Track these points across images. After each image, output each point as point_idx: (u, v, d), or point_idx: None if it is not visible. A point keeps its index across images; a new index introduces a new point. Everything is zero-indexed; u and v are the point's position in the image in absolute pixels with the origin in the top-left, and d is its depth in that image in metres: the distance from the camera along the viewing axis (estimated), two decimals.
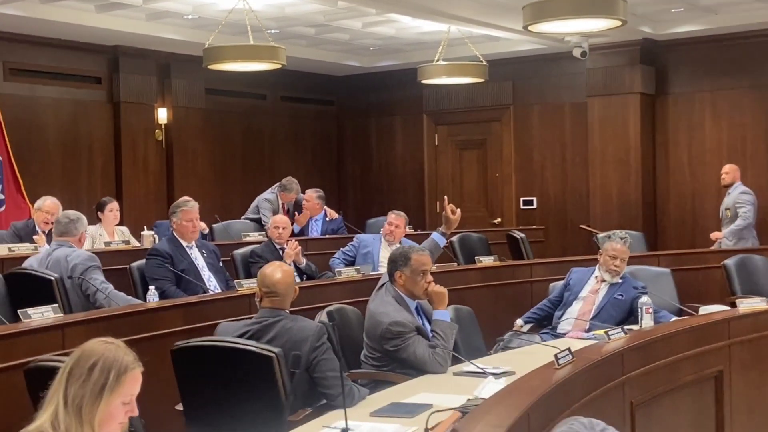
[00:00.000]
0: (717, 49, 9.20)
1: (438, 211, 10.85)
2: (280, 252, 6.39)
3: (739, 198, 8.10)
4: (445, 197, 4.97)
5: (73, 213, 5.31)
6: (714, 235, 8.18)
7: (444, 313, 4.03)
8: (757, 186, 9.00)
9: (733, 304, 4.98)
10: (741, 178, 8.68)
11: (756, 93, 9.05)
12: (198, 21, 8.43)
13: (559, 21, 5.47)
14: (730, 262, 6.41)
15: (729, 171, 8.32)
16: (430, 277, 4.11)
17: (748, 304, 4.60)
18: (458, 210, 4.85)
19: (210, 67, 7.16)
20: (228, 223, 8.07)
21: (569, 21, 5.50)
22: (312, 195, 8.15)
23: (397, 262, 4.14)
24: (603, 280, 5.15)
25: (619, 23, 5.36)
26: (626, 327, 4.22)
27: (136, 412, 2.21)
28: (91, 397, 2.11)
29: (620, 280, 5.15)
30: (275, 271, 3.70)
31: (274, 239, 6.48)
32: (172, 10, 8.09)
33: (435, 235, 4.73)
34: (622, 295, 5.05)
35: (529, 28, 5.49)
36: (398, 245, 6.45)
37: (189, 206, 5.63)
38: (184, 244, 5.56)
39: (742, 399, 4.31)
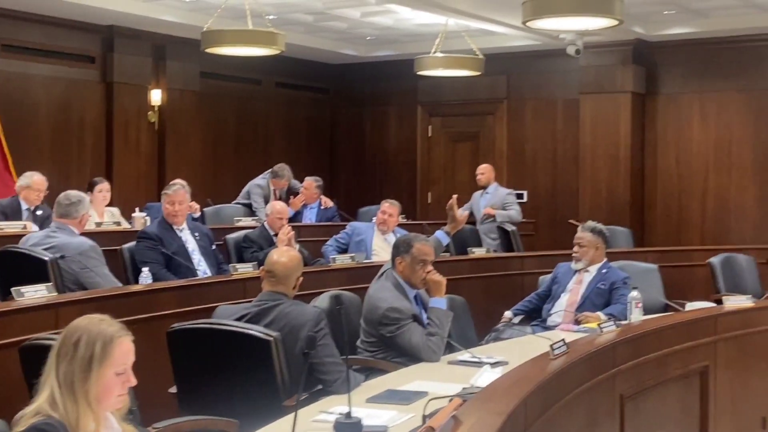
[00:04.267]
0: (707, 51, 9.30)
1: (429, 201, 10.93)
2: (274, 238, 6.42)
3: (506, 199, 8.23)
4: (454, 196, 4.97)
5: (74, 194, 5.09)
6: (487, 211, 8.18)
7: (441, 301, 4.09)
8: (742, 186, 9.15)
9: (718, 302, 5.08)
10: (726, 178, 8.82)
11: (743, 96, 9.17)
12: (196, 4, 8.43)
13: (558, 18, 5.53)
14: (715, 260, 6.54)
15: (484, 171, 8.35)
16: (430, 267, 4.17)
17: (734, 302, 4.71)
18: (465, 212, 4.94)
19: (208, 50, 7.17)
20: (219, 207, 8.09)
21: (568, 18, 5.57)
22: (312, 183, 8.21)
23: (399, 248, 4.20)
24: (586, 271, 5.26)
25: (616, 22, 5.44)
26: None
27: (133, 381, 2.20)
28: (80, 373, 2.12)
29: (604, 270, 5.24)
30: (282, 255, 3.74)
31: (275, 228, 6.48)
32: None
33: (439, 233, 4.73)
34: (604, 285, 5.16)
35: (528, 23, 5.54)
36: (393, 235, 6.54)
37: (171, 190, 5.62)
38: (175, 226, 5.56)
39: (726, 394, 4.41)
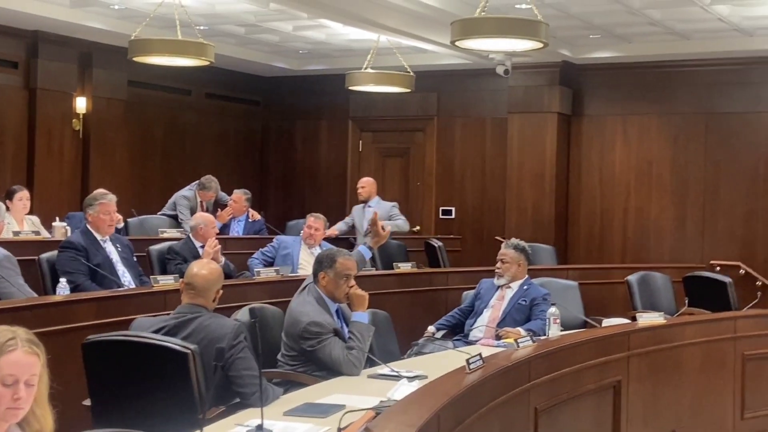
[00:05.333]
0: (630, 75, 9.58)
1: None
2: (200, 250, 6.37)
3: (392, 210, 7.99)
4: (375, 213, 5.08)
5: None
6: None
7: (362, 315, 4.12)
8: (661, 206, 9.44)
9: (633, 318, 5.23)
10: (647, 198, 9.06)
11: (663, 119, 9.47)
12: (125, 12, 8.32)
13: (485, 39, 5.63)
14: (632, 278, 6.74)
15: (365, 185, 8.13)
16: (352, 282, 4.21)
17: (646, 318, 4.86)
18: (388, 227, 4.96)
19: (135, 59, 7.08)
20: (144, 218, 7.98)
21: (494, 40, 5.66)
22: (241, 196, 8.19)
23: (322, 262, 4.23)
24: (508, 287, 5.36)
25: (541, 45, 5.55)
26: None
27: (22, 399, 2.10)
28: None
29: (525, 287, 5.36)
30: (202, 267, 3.73)
31: (203, 239, 6.41)
32: None
33: (362, 248, 4.82)
34: (525, 301, 5.27)
35: (457, 43, 5.63)
36: (319, 248, 6.56)
37: (108, 199, 5.55)
38: (99, 237, 5.48)
39: (638, 408, 4.54)
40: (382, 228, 5.22)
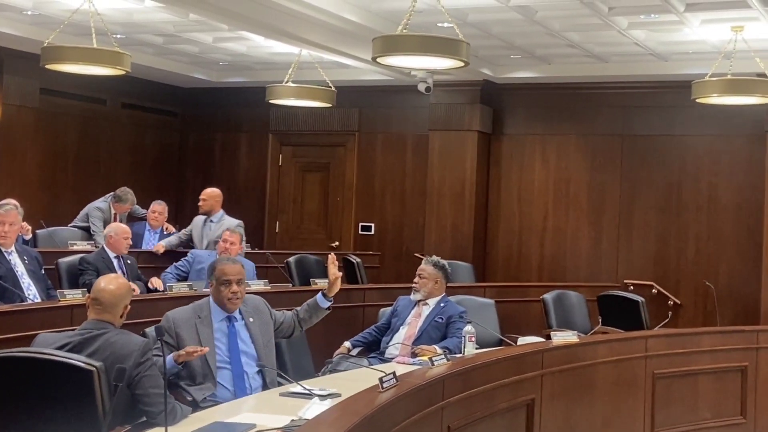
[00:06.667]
0: (549, 96, 9.76)
1: (276, 230, 10.86)
2: (114, 261, 6.23)
3: (237, 230, 7.10)
4: (330, 255, 4.60)
5: None
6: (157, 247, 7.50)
7: (170, 361, 3.87)
8: (577, 226, 9.61)
9: (548, 336, 5.28)
10: (564, 218, 9.20)
11: (581, 140, 9.66)
12: (38, 18, 8.06)
13: (406, 56, 5.64)
14: (548, 296, 6.82)
15: (207, 198, 7.55)
16: (234, 288, 4.13)
17: (560, 337, 4.91)
18: (340, 273, 4.62)
19: (48, 67, 6.87)
20: (54, 229, 7.73)
21: (416, 57, 5.68)
22: (164, 208, 8.02)
23: (208, 272, 4.27)
24: (425, 304, 5.35)
25: (462, 64, 5.58)
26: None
27: None
28: None
29: (442, 304, 5.36)
30: (109, 282, 3.61)
31: (114, 249, 6.27)
32: (10, 3, 7.70)
33: (319, 297, 4.48)
34: (441, 318, 5.27)
35: (378, 59, 5.62)
36: None
37: (3, 210, 5.39)
38: (3, 249, 5.31)
39: (551, 427, 4.57)
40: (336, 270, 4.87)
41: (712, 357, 5.73)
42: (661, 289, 9.10)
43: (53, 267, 6.09)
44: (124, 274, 6.16)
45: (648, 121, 9.40)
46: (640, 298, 7.06)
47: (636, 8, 6.94)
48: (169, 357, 3.87)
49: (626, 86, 9.36)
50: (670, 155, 9.30)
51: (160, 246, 7.44)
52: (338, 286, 4.48)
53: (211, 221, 7.47)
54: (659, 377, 5.44)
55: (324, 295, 4.46)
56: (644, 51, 8.30)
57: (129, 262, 6.43)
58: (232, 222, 7.40)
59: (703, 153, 9.17)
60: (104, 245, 6.38)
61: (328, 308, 4.48)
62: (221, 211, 7.56)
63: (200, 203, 7.59)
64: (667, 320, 6.82)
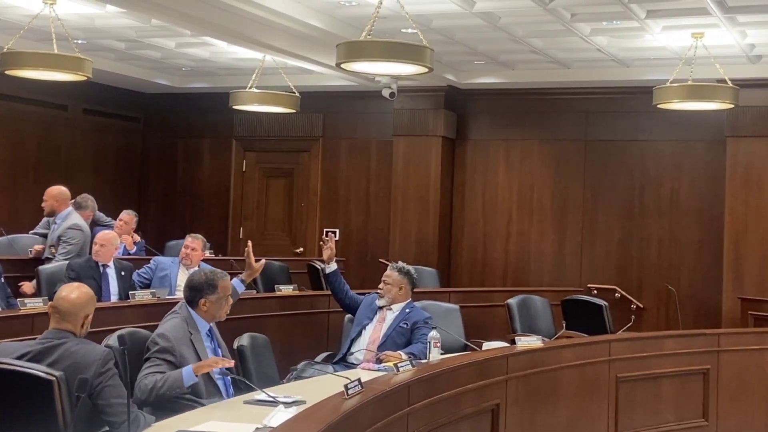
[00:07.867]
0: (512, 101, 9.82)
1: (240, 236, 10.78)
2: (101, 269, 6.19)
3: (66, 233, 6.81)
4: (249, 242, 4.94)
5: None
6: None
7: (189, 373, 3.84)
8: (541, 230, 9.67)
9: (513, 341, 5.31)
10: (528, 222, 9.25)
11: (544, 145, 9.74)
12: None
13: (370, 62, 5.64)
14: (512, 301, 6.86)
15: (47, 198, 6.99)
16: (231, 300, 4.22)
17: (525, 342, 4.93)
18: (262, 260, 4.87)
19: (8, 72, 6.77)
20: (14, 237, 7.61)
21: (380, 63, 5.68)
22: (132, 217, 7.95)
23: (203, 290, 4.14)
24: (389, 309, 5.35)
25: (425, 70, 5.60)
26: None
27: None
28: None
29: (407, 310, 5.36)
30: (71, 291, 3.57)
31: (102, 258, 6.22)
32: None
33: (235, 281, 4.71)
34: (406, 324, 5.28)
35: (342, 65, 5.62)
36: (196, 269, 6.37)
37: None
38: None
39: (516, 431, 4.58)
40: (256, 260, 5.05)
41: (675, 360, 5.80)
42: (624, 293, 9.20)
43: (15, 275, 6.02)
44: (116, 283, 6.21)
45: (610, 126, 9.50)
46: (603, 303, 7.13)
47: (598, 15, 7.02)
48: (187, 369, 3.81)
49: (589, 92, 9.45)
50: (632, 160, 9.40)
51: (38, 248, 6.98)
52: (258, 272, 5.01)
53: (56, 222, 6.94)
54: (623, 381, 5.49)
55: (241, 281, 4.87)
56: (606, 57, 8.40)
57: (123, 273, 6.33)
58: (77, 221, 6.87)
59: (665, 158, 9.28)
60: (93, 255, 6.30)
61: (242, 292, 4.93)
62: (67, 209, 7.00)
63: (42, 204, 7.08)
64: (630, 324, 6.87)
